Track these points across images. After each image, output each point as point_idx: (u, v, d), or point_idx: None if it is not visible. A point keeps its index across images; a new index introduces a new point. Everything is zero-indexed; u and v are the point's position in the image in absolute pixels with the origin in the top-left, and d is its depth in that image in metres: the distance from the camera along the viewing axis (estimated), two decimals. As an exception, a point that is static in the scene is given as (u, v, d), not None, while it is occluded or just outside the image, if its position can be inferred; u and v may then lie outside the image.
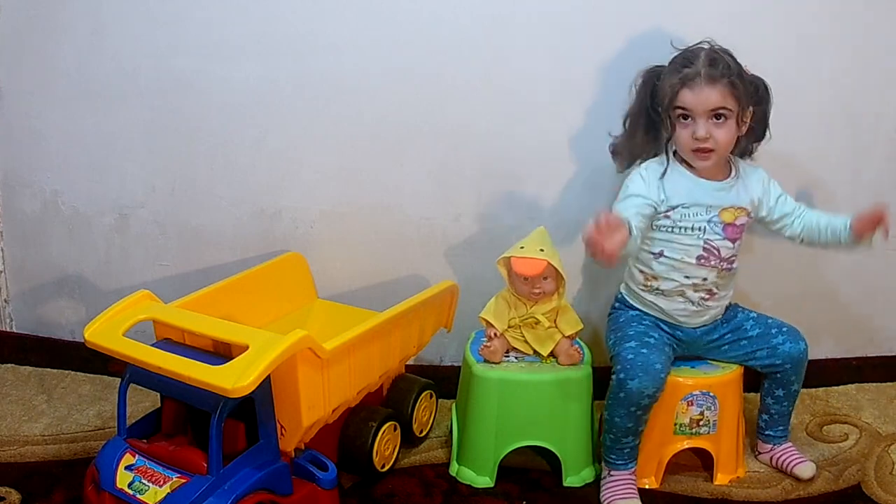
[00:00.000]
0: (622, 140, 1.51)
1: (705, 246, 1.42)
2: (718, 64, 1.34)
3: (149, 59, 1.72)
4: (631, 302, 1.53)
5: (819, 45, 1.66)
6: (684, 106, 1.36)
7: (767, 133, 1.48)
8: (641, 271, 1.49)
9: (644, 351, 1.40)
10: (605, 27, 1.63)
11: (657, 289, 1.47)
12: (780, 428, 1.55)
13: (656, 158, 1.47)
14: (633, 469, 1.45)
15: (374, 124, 1.71)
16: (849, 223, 1.42)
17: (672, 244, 1.43)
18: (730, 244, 1.43)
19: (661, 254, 1.45)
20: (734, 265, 1.47)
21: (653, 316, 1.50)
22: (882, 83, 1.70)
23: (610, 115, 1.65)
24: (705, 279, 1.44)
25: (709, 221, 1.41)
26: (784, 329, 1.48)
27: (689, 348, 1.51)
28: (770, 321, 1.50)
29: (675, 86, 1.36)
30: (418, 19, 1.65)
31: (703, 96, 1.34)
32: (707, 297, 1.46)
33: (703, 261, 1.43)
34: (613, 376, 1.41)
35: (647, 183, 1.43)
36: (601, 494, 1.44)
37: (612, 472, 1.45)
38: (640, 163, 1.48)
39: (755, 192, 1.46)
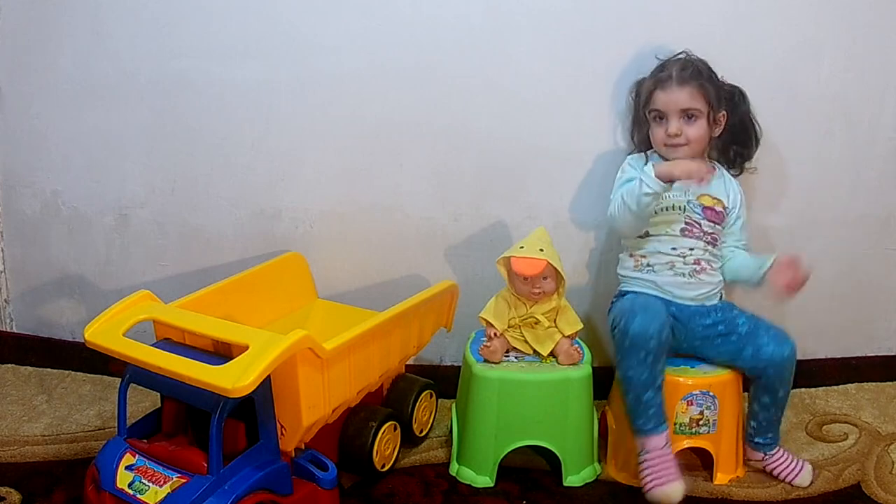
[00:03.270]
0: (634, 149, 1.65)
1: (687, 220, 1.52)
2: (688, 69, 1.50)
3: (149, 60, 1.72)
4: (626, 289, 1.57)
5: (819, 45, 1.66)
6: (657, 107, 1.52)
7: (755, 138, 1.60)
8: (631, 255, 1.57)
9: (640, 300, 1.47)
10: (605, 27, 1.64)
11: (647, 265, 1.53)
12: (770, 435, 1.51)
13: (638, 154, 1.61)
14: (664, 432, 1.40)
15: (374, 124, 1.71)
16: (767, 265, 1.47)
17: (656, 225, 1.53)
18: (710, 223, 1.53)
19: (646, 234, 1.54)
20: (719, 244, 1.54)
21: (649, 294, 1.53)
22: (881, 84, 1.71)
23: (610, 115, 1.66)
24: (692, 249, 1.51)
25: (688, 202, 1.53)
26: (772, 332, 1.47)
27: (685, 333, 1.50)
28: (760, 322, 1.50)
29: (649, 88, 1.53)
30: (418, 19, 1.65)
31: (673, 97, 1.49)
32: (698, 269, 1.51)
33: (686, 232, 1.52)
34: (616, 331, 1.43)
35: (636, 169, 1.55)
36: (641, 475, 1.40)
37: (645, 446, 1.40)
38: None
39: (730, 194, 1.57)
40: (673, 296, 1.52)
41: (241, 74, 1.70)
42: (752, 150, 1.61)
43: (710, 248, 1.52)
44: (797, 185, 1.74)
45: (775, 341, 1.45)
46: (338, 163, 1.75)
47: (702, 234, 1.52)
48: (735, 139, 1.59)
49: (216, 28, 1.69)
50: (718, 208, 1.54)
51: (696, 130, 1.50)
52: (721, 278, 1.55)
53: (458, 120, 1.70)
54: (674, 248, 1.52)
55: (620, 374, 1.42)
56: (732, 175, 1.61)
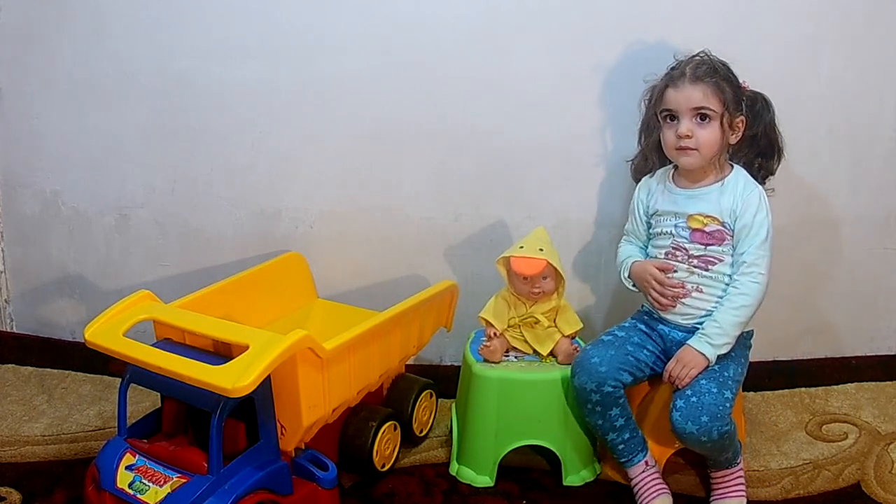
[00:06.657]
0: (637, 154, 1.56)
1: (674, 245, 1.45)
2: (703, 66, 1.39)
3: (149, 60, 1.72)
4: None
5: (819, 45, 1.66)
6: (668, 106, 1.41)
7: (781, 150, 1.50)
8: None
9: (589, 348, 1.44)
10: (605, 27, 1.63)
11: None
12: (710, 461, 1.44)
13: (655, 173, 1.52)
14: (643, 460, 1.44)
15: (374, 124, 1.71)
16: (693, 337, 1.39)
17: (652, 247, 1.49)
18: (699, 246, 1.42)
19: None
20: (712, 268, 1.40)
21: (644, 311, 1.52)
22: (881, 84, 1.70)
23: (610, 114, 1.66)
24: (675, 273, 1.44)
25: (675, 226, 1.45)
26: (693, 399, 1.32)
27: (667, 355, 1.45)
28: (701, 381, 1.35)
29: (661, 87, 1.43)
30: (418, 19, 1.65)
31: (685, 94, 1.38)
32: (680, 293, 1.43)
33: (670, 256, 1.45)
34: None
35: (640, 201, 1.52)
36: (635, 497, 1.44)
37: (629, 474, 1.45)
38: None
39: (727, 204, 1.41)
40: (661, 316, 1.47)
41: (241, 74, 1.70)
42: (775, 165, 1.50)
43: (699, 271, 1.41)
44: (797, 185, 1.74)
45: (684, 414, 1.31)
46: (338, 163, 1.75)
47: (687, 257, 1.43)
48: (759, 152, 1.49)
49: (216, 28, 1.69)
50: (711, 228, 1.41)
51: (709, 134, 1.37)
52: (708, 304, 1.42)
53: (458, 120, 1.70)
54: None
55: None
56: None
